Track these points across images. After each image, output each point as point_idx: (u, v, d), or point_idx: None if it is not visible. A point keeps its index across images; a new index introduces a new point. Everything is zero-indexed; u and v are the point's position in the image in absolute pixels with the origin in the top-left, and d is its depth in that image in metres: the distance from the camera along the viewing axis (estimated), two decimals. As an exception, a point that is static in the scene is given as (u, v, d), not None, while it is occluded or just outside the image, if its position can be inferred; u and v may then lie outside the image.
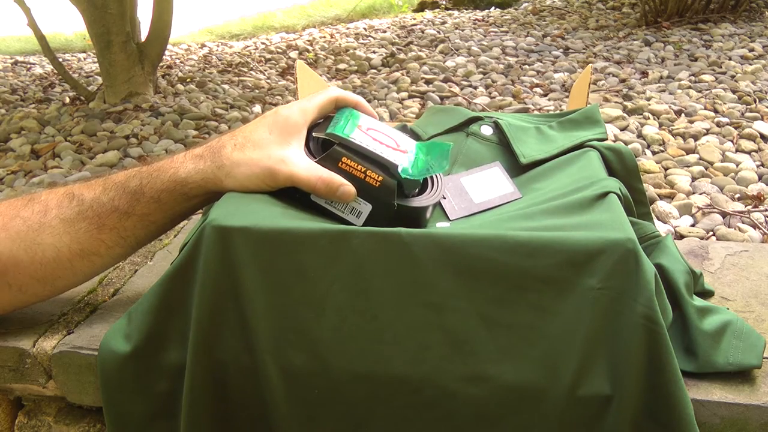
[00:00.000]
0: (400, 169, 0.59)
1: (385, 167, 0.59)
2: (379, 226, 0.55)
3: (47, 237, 0.58)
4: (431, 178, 0.65)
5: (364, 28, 3.39)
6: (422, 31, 3.04)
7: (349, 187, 0.58)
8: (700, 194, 1.26)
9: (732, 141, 1.50)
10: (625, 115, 1.70)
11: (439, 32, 2.98)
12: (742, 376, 0.54)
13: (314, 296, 0.53)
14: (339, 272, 0.52)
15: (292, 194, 0.59)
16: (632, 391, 0.48)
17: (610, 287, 0.49)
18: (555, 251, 0.50)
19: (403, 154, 0.61)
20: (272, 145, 0.59)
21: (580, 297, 0.50)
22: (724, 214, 1.17)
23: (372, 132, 0.62)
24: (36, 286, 0.60)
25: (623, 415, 0.48)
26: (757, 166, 1.39)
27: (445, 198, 0.67)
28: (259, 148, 0.59)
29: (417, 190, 0.62)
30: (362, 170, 0.59)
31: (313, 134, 0.62)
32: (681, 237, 1.11)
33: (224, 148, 0.60)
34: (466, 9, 3.87)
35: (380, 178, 0.59)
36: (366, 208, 0.59)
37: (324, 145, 0.62)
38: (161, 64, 2.67)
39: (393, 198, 0.59)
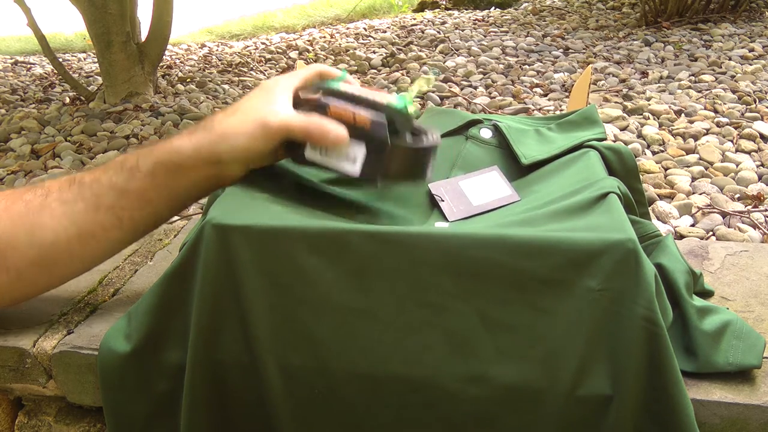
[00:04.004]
0: (386, 103, 0.60)
1: (374, 106, 0.60)
2: (377, 172, 0.56)
3: (46, 219, 0.59)
4: (424, 130, 0.65)
5: (364, 28, 3.38)
6: (422, 31, 3.04)
7: (342, 130, 0.59)
8: (700, 194, 1.26)
9: (732, 141, 1.50)
10: (625, 115, 1.69)
11: (439, 32, 2.97)
12: (742, 376, 0.54)
13: (314, 296, 0.53)
14: (339, 272, 0.52)
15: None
16: (632, 391, 0.48)
17: (611, 288, 0.49)
18: (555, 252, 0.50)
19: (388, 96, 0.62)
20: (261, 102, 0.61)
21: (580, 298, 0.50)
22: (724, 214, 1.17)
23: (355, 87, 0.64)
24: (33, 271, 0.60)
25: (623, 415, 0.48)
26: (757, 166, 1.39)
27: (443, 200, 0.67)
28: (249, 109, 0.61)
29: (409, 133, 0.63)
30: (351, 114, 0.60)
31: (300, 94, 0.64)
32: (681, 237, 1.11)
33: (215, 117, 0.62)
34: (466, 9, 3.87)
35: (370, 117, 0.60)
36: (360, 151, 0.60)
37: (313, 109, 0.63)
38: (161, 64, 2.67)
39: (385, 132, 0.59)
